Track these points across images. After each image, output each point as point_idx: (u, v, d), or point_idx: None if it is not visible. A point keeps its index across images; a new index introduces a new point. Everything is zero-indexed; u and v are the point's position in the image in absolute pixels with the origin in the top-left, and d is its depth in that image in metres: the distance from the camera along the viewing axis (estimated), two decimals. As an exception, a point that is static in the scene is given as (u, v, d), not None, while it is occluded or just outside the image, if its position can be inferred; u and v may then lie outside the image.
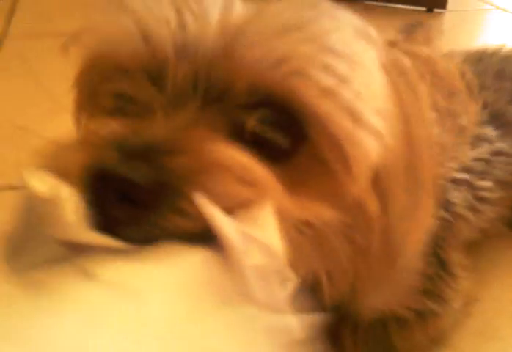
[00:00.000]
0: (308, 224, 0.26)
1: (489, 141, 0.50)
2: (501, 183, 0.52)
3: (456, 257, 0.49)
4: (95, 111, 0.31)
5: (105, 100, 0.29)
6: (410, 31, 0.38)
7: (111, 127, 0.25)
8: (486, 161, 0.49)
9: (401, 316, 0.44)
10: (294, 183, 0.26)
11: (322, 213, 0.26)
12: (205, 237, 0.22)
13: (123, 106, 0.27)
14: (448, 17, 1.56)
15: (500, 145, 0.51)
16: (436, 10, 1.57)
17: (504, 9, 1.66)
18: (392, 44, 0.34)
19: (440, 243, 0.46)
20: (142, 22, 0.25)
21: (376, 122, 0.27)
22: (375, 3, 1.62)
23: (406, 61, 0.32)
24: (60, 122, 0.90)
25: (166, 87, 0.25)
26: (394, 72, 0.30)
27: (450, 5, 1.56)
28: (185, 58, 0.25)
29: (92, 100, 0.31)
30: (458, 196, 0.46)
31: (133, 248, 0.22)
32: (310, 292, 0.28)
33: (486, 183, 0.49)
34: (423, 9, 1.58)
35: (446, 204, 0.45)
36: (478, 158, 0.49)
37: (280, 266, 0.23)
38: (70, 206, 0.22)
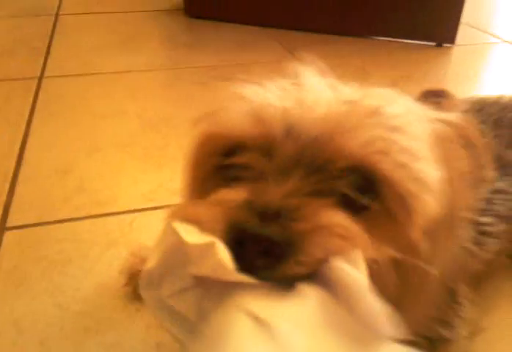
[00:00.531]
0: (376, 262, 0.32)
1: (487, 180, 0.55)
2: (501, 218, 0.57)
3: (464, 289, 0.55)
4: (205, 187, 0.37)
5: (222, 173, 0.36)
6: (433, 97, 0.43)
7: (237, 192, 0.32)
8: (487, 199, 0.56)
9: (415, 343, 0.50)
10: (370, 230, 0.32)
11: (386, 252, 0.33)
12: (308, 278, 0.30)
13: (240, 176, 0.34)
14: (457, 52, 1.63)
15: (499, 184, 0.57)
16: (445, 45, 1.64)
17: (510, 42, 1.72)
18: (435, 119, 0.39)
19: (450, 275, 0.51)
20: (257, 108, 0.33)
21: (435, 186, 0.34)
22: (384, 38, 1.70)
23: (446, 129, 0.38)
24: (98, 159, 1.00)
25: (276, 159, 0.32)
26: (437, 140, 0.37)
27: (458, 39, 1.63)
28: (291, 138, 0.32)
29: (205, 176, 0.38)
30: (463, 232, 0.50)
31: (268, 285, 0.28)
32: None
33: (488, 219, 0.55)
34: (433, 44, 1.65)
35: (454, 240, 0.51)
36: (479, 197, 0.55)
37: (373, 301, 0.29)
38: (221, 251, 0.28)
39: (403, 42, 1.67)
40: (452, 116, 0.39)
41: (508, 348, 0.61)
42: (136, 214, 0.85)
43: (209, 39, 1.70)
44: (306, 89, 0.35)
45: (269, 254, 0.28)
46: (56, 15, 1.98)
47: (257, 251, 0.28)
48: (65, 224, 0.83)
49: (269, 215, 0.29)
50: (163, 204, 0.87)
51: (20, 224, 0.82)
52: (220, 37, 1.73)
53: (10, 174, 0.96)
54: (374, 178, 0.33)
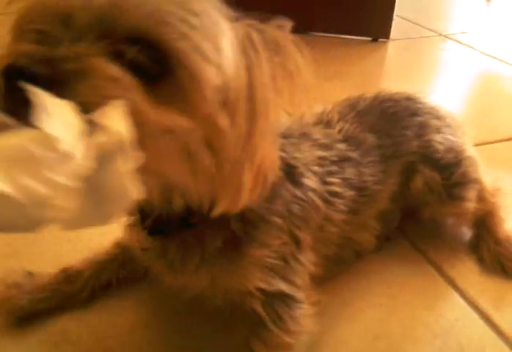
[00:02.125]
0: (170, 131, 0.36)
1: (339, 150, 0.63)
2: (351, 186, 0.62)
3: (306, 242, 0.57)
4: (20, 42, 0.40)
5: (28, 36, 0.37)
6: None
7: (29, 46, 0.34)
8: (335, 162, 0.61)
9: (250, 294, 0.53)
10: (160, 99, 0.35)
11: (179, 122, 0.36)
12: None
13: (41, 40, 0.36)
14: (392, 46, 1.66)
15: (349, 154, 0.64)
16: (380, 40, 1.66)
17: (446, 36, 1.76)
18: (249, 24, 0.43)
19: (295, 221, 0.54)
20: None
21: (218, 60, 0.37)
22: (321, 34, 1.70)
23: (255, 35, 0.42)
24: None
25: (72, 27, 0.35)
26: (245, 40, 0.41)
27: (393, 34, 1.66)
28: (85, 9, 0.35)
29: (19, 36, 0.40)
30: (310, 183, 0.56)
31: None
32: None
33: (336, 180, 0.60)
34: (368, 39, 1.67)
35: (301, 187, 0.55)
36: (329, 159, 0.61)
37: (124, 147, 0.30)
38: None
39: (337, 38, 1.68)
40: (271, 30, 0.43)
41: (410, 346, 0.63)
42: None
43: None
44: None
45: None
46: None
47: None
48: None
49: (44, 59, 0.31)
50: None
51: None
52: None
53: None
54: (160, 48, 0.35)
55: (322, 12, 1.67)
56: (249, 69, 0.40)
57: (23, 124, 0.29)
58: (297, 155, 0.56)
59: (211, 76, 0.37)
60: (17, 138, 0.28)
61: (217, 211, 0.42)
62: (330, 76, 1.41)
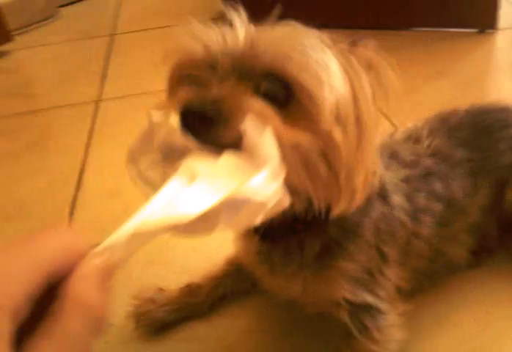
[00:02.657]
0: (296, 146, 0.44)
1: (426, 164, 0.67)
2: (436, 196, 0.66)
3: (394, 257, 0.62)
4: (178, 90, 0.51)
5: (184, 80, 0.50)
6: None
7: (192, 92, 0.46)
8: (422, 178, 0.65)
9: (337, 304, 0.60)
10: (288, 121, 0.44)
11: (304, 138, 0.45)
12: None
13: (195, 82, 0.48)
14: (501, 37, 1.59)
15: (436, 167, 0.67)
16: (487, 31, 1.60)
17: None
18: (343, 47, 0.50)
19: (382, 237, 0.60)
20: (205, 43, 0.47)
21: (331, 83, 0.46)
22: (425, 29, 1.68)
23: (352, 57, 0.49)
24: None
25: (217, 70, 0.46)
26: (345, 62, 0.48)
27: (501, 23, 1.59)
28: (226, 55, 0.46)
29: (174, 84, 0.52)
30: (396, 201, 0.61)
31: (208, 151, 0.41)
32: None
33: (421, 195, 0.65)
34: (474, 30, 1.61)
35: (386, 204, 0.60)
36: (415, 176, 0.65)
37: (276, 166, 0.39)
38: (173, 120, 0.42)
39: (442, 32, 1.65)
40: (367, 53, 0.50)
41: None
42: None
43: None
44: (236, 23, 0.48)
45: (206, 122, 0.42)
46: (112, 35, 2.12)
47: (198, 122, 0.41)
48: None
49: (209, 101, 0.43)
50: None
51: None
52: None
53: (70, 199, 1.09)
54: (287, 81, 0.45)
55: (421, 5, 1.65)
56: (353, 87, 0.48)
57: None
58: (386, 173, 0.62)
59: (327, 98, 0.45)
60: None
61: (335, 212, 0.51)
62: (432, 75, 1.40)
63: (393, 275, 0.62)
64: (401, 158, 0.66)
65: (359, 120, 0.48)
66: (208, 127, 0.41)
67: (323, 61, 0.46)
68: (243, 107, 0.43)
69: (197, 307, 0.76)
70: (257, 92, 0.45)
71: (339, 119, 0.46)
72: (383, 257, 0.60)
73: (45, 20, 2.34)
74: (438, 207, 0.66)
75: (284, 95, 0.45)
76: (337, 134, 0.46)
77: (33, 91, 1.75)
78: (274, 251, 0.60)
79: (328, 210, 0.51)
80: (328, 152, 0.47)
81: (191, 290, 0.76)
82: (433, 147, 0.69)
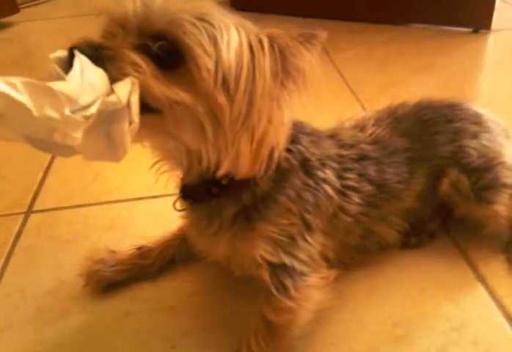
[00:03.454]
0: (178, 103, 0.49)
1: (362, 149, 0.71)
2: (370, 181, 0.69)
3: (318, 227, 0.65)
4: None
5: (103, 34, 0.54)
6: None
7: (91, 38, 0.50)
8: (355, 160, 0.69)
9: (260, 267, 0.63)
10: (175, 81, 0.49)
11: (185, 97, 0.49)
12: None
13: (107, 36, 0.53)
14: (493, 38, 1.60)
15: (371, 153, 0.71)
16: (481, 31, 1.61)
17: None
18: (267, 32, 0.54)
19: (305, 206, 0.63)
20: (121, 5, 0.52)
21: (215, 53, 0.50)
22: (419, 25, 1.69)
23: (265, 40, 0.53)
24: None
25: (125, 29, 0.51)
26: (256, 42, 0.52)
27: (495, 24, 1.60)
28: (134, 17, 0.50)
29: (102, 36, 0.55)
30: (323, 175, 0.65)
31: None
32: None
33: (351, 175, 0.68)
34: (469, 30, 1.62)
35: (311, 176, 0.64)
36: (347, 157, 0.69)
37: (123, 109, 0.44)
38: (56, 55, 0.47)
39: (436, 29, 1.66)
40: (284, 38, 0.53)
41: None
42: (137, 202, 0.98)
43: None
44: None
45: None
46: (116, 13, 2.15)
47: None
48: (79, 209, 0.98)
49: (95, 46, 0.47)
50: (160, 194, 0.99)
51: (43, 208, 0.99)
52: (261, 27, 1.81)
53: (45, 165, 1.13)
54: (177, 44, 0.49)
55: (418, 1, 1.66)
56: (253, 64, 0.52)
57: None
58: (314, 150, 0.65)
59: (207, 64, 0.49)
60: (59, 85, 0.41)
61: (221, 172, 0.55)
62: (417, 70, 1.42)
63: (317, 242, 0.65)
64: (339, 140, 0.70)
65: (251, 93, 0.51)
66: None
67: (212, 34, 0.50)
68: (117, 55, 0.48)
69: (146, 269, 0.80)
70: (147, 49, 0.49)
71: (225, 85, 0.51)
72: (306, 224, 0.64)
73: (53, -6, 2.38)
74: (368, 188, 0.69)
75: (174, 59, 0.49)
76: (220, 98, 0.50)
77: (34, 62, 1.78)
78: (199, 212, 0.65)
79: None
80: (214, 114, 0.51)
81: (141, 253, 0.80)
82: (375, 135, 0.73)
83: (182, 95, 0.49)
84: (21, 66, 1.71)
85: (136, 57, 0.48)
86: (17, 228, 0.93)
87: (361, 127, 0.74)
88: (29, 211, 0.98)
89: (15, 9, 2.05)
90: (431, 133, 0.75)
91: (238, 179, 0.57)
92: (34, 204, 1.00)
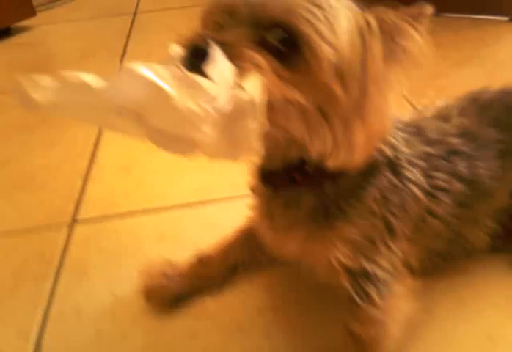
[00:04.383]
0: (293, 102, 0.46)
1: (450, 144, 0.64)
2: (461, 178, 0.63)
3: (403, 232, 0.60)
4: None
5: (209, 24, 0.51)
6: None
7: (204, 32, 0.47)
8: (443, 157, 0.63)
9: (335, 271, 0.58)
10: (290, 70, 0.46)
11: (300, 97, 0.46)
12: None
13: (216, 27, 0.50)
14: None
15: (461, 148, 0.64)
16: (518, 19, 1.55)
17: None
18: (371, 12, 0.50)
19: (390, 208, 0.58)
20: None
21: (334, 41, 0.46)
22: (456, 15, 1.63)
23: (373, 21, 0.49)
24: (158, 156, 1.08)
25: (235, 18, 0.48)
26: (364, 25, 0.49)
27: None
28: (245, 7, 0.47)
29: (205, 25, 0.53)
30: (411, 175, 0.59)
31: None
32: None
33: (440, 174, 0.62)
34: (505, 18, 1.56)
35: (398, 175, 0.59)
36: (435, 154, 0.63)
37: (253, 108, 0.41)
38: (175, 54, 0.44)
39: (473, 19, 1.60)
40: (392, 17, 0.49)
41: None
42: (186, 209, 0.93)
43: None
44: None
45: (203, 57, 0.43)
46: (134, 14, 2.11)
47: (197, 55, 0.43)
48: (124, 217, 0.93)
49: (212, 42, 0.43)
50: (210, 198, 0.94)
51: (88, 217, 0.94)
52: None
53: (83, 172, 1.08)
54: (293, 32, 0.45)
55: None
56: (364, 49, 0.48)
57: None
58: (404, 149, 0.60)
59: (328, 53, 0.46)
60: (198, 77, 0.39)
61: (330, 165, 0.51)
62: (460, 61, 1.36)
63: (400, 249, 0.60)
64: (425, 136, 0.64)
65: (364, 81, 0.48)
66: (202, 57, 0.43)
67: (330, 21, 0.46)
68: (241, 53, 0.44)
69: (209, 279, 0.75)
70: (263, 41, 0.46)
71: (341, 76, 0.47)
72: (389, 228, 0.58)
73: (70, -4, 2.34)
74: (459, 187, 0.63)
75: (289, 48, 0.46)
76: (337, 88, 0.47)
77: (53, 66, 1.74)
78: (275, 201, 0.60)
79: (323, 162, 0.51)
80: (325, 105, 0.48)
81: (201, 261, 0.75)
82: (462, 126, 0.67)
83: (298, 95, 0.46)
84: (42, 70, 1.67)
85: (257, 56, 0.45)
86: (63, 240, 0.89)
87: (444, 117, 0.68)
88: (73, 221, 0.93)
89: (32, 12, 2.00)
90: None
91: (323, 168, 0.52)
92: (78, 214, 0.95)
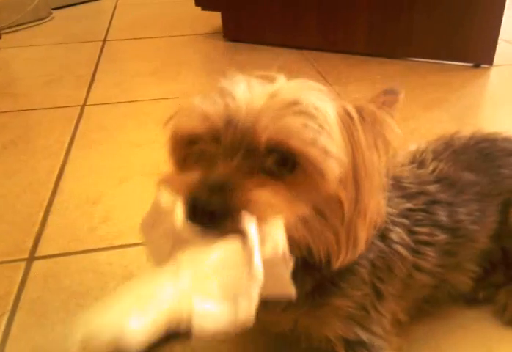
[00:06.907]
0: (299, 217, 0.44)
1: (429, 194, 0.63)
2: (440, 226, 0.62)
3: (390, 293, 0.59)
4: (182, 163, 0.51)
5: (188, 157, 0.49)
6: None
7: (198, 175, 0.44)
8: (423, 210, 0.62)
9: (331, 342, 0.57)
10: (290, 187, 0.44)
11: (306, 208, 0.45)
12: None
13: (198, 159, 0.47)
14: (495, 73, 1.60)
15: (440, 195, 0.64)
16: (483, 66, 1.61)
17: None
18: (350, 101, 0.49)
19: (378, 274, 0.57)
20: (205, 112, 0.46)
21: (337, 154, 0.45)
22: (420, 60, 1.68)
23: (353, 111, 0.48)
24: (126, 189, 1.05)
25: (221, 145, 0.44)
26: (345, 117, 0.47)
27: (496, 60, 1.60)
28: (229, 129, 0.44)
29: (180, 158, 0.51)
30: (395, 236, 0.58)
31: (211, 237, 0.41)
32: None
33: (425, 229, 0.61)
34: (469, 65, 1.62)
35: (385, 240, 0.57)
36: (416, 208, 0.62)
37: (286, 257, 0.41)
38: (178, 214, 0.41)
39: (439, 64, 1.65)
40: (370, 107, 0.49)
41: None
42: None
43: (245, 63, 1.74)
44: (238, 93, 0.46)
45: (211, 215, 0.41)
46: (104, 41, 2.08)
47: (203, 214, 0.41)
48: (88, 254, 0.88)
49: (215, 188, 0.41)
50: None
51: (48, 254, 0.88)
52: (256, 60, 1.77)
53: (45, 204, 1.02)
54: (290, 152, 0.44)
55: (419, 36, 1.66)
56: (351, 142, 0.47)
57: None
58: (388, 209, 0.58)
59: (333, 167, 0.44)
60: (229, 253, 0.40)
61: (337, 264, 0.49)
62: (428, 105, 1.39)
63: (389, 310, 0.59)
64: (404, 189, 0.63)
65: (357, 175, 0.47)
66: (214, 219, 0.41)
67: (327, 127, 0.45)
68: (249, 200, 0.42)
69: None
70: (263, 168, 0.44)
71: (343, 179, 0.46)
72: (378, 293, 0.57)
73: (37, 21, 2.30)
74: (442, 238, 0.62)
75: (289, 167, 0.44)
76: (342, 194, 0.46)
77: (16, 90, 1.68)
78: None
79: (329, 262, 0.50)
80: (326, 209, 0.46)
81: None
82: (438, 171, 0.66)
83: (304, 208, 0.45)
84: (5, 94, 1.61)
85: (268, 195, 0.43)
86: (19, 277, 0.83)
87: (419, 162, 0.68)
88: (32, 257, 0.87)
89: (-4, 35, 1.96)
90: (494, 166, 0.69)
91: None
92: (37, 249, 0.89)
